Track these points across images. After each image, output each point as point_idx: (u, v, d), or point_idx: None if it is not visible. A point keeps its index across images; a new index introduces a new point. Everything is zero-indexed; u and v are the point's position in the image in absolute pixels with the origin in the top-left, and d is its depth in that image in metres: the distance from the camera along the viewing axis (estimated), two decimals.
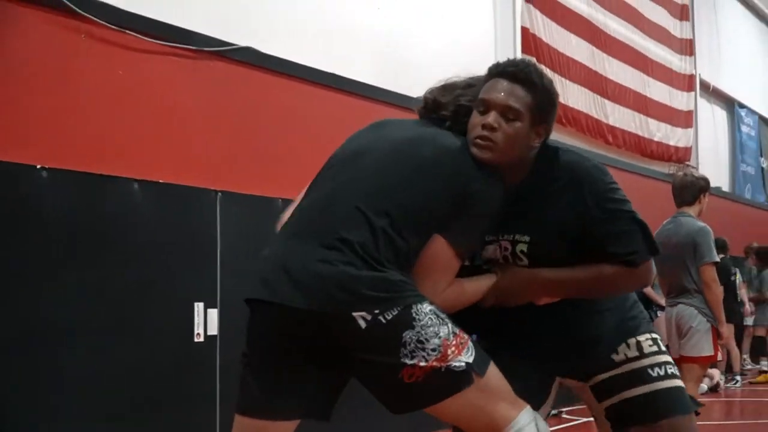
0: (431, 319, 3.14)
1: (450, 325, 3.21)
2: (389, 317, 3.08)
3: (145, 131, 7.59)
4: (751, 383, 15.39)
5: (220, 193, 7.98)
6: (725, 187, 20.36)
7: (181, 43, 7.90)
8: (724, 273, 14.36)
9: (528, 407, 3.35)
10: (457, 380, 3.18)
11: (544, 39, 13.68)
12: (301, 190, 8.90)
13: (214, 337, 7.80)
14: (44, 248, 6.75)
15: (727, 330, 8.11)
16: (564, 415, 11.38)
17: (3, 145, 6.60)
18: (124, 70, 7.48)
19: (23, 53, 6.84)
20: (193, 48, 8.00)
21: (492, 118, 3.38)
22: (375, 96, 10.00)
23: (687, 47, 18.96)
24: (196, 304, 7.70)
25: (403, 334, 3.09)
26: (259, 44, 8.62)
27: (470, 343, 3.25)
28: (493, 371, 3.29)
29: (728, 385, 14.67)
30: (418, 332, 3.11)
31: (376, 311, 3.07)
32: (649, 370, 3.57)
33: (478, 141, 3.37)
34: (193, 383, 7.70)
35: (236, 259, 8.00)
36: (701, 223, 7.95)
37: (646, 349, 3.61)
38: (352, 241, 3.15)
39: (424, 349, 3.10)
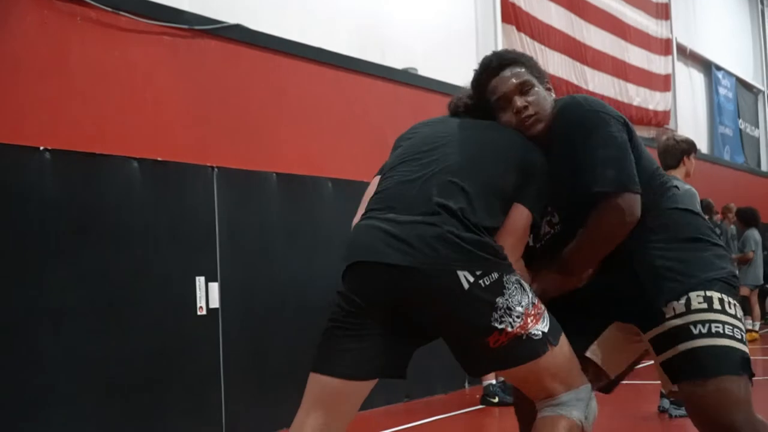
0: (517, 288, 3.38)
1: (530, 295, 3.45)
2: (488, 282, 3.31)
3: (140, 110, 7.69)
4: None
5: (216, 169, 8.11)
6: (704, 149, 20.50)
7: (173, 23, 8.01)
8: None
9: (588, 384, 3.62)
10: (535, 348, 3.41)
11: (523, 8, 13.79)
12: (294, 164, 9.04)
13: (216, 309, 7.94)
14: (44, 228, 6.86)
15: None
16: None
17: (5, 130, 6.70)
18: (119, 51, 7.59)
19: (19, 37, 6.93)
20: (185, 27, 8.10)
21: (519, 101, 3.76)
22: (360, 69, 10.13)
23: (663, 11, 19.08)
24: (197, 278, 7.84)
25: (496, 300, 3.32)
26: (248, 21, 8.73)
27: (546, 313, 3.49)
28: (563, 341, 3.53)
29: None
30: (507, 299, 3.34)
31: (478, 273, 3.30)
32: (691, 327, 3.55)
33: (526, 121, 3.74)
34: (198, 355, 7.85)
35: (234, 233, 8.15)
36: (687, 186, 8.08)
37: (694, 306, 3.57)
38: (452, 207, 3.37)
39: (510, 316, 3.33)
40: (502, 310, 3.31)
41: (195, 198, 7.98)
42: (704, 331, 3.54)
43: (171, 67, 8.03)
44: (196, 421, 7.72)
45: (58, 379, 6.79)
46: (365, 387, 3.56)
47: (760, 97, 25.44)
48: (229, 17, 8.55)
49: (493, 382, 9.41)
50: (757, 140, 24.96)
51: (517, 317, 3.34)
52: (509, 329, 3.33)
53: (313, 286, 8.79)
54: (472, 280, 3.28)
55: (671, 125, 18.70)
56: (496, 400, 9.36)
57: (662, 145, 8.34)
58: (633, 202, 3.58)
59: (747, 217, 16.44)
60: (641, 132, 17.02)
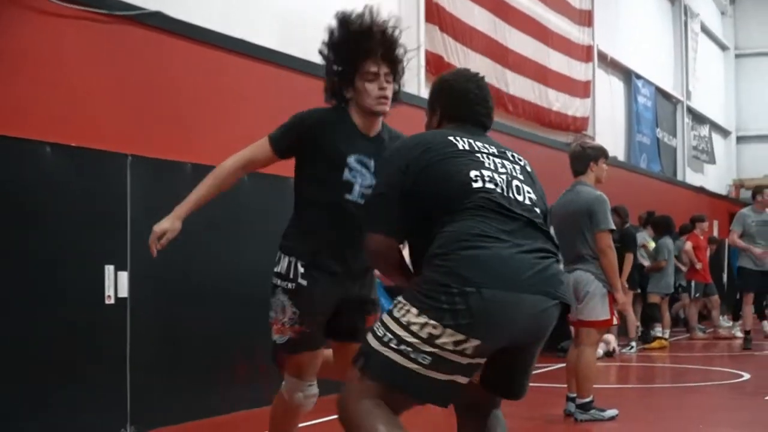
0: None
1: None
2: None
3: (56, 95, 7.59)
4: (645, 349, 15.77)
5: (130, 157, 8.00)
6: (621, 157, 20.75)
7: (94, 7, 7.90)
8: (631, 240, 14.72)
9: None
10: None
11: (447, 8, 13.85)
12: (210, 154, 8.97)
13: (124, 299, 7.85)
14: None
15: (623, 296, 8.34)
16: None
17: None
18: (38, 33, 7.48)
19: None
20: (105, 12, 8.00)
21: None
22: (282, 62, 10.08)
23: (586, 18, 19.23)
24: (106, 266, 7.73)
25: None
26: (169, 9, 8.63)
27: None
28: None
29: (624, 350, 15.03)
30: None
31: None
32: None
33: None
34: (105, 345, 7.75)
35: (146, 222, 7.98)
36: (597, 192, 8.20)
37: None
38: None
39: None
40: None
41: (108, 186, 7.87)
42: None
43: (90, 52, 7.93)
44: (99, 411, 7.62)
45: None
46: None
47: (678, 106, 25.80)
48: (151, 4, 8.45)
49: None
50: (674, 149, 25.31)
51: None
52: None
53: (227, 277, 8.76)
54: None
55: (590, 131, 18.86)
56: None
57: (570, 151, 8.54)
58: (373, 241, 4.08)
59: (661, 226, 16.65)
60: (560, 137, 17.16)
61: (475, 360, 3.75)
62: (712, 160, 28.50)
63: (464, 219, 3.82)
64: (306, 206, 5.05)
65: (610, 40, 20.50)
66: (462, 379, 3.78)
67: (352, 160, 4.88)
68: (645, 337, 16.31)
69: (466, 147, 4.04)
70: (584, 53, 19.11)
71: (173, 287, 8.31)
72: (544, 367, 12.50)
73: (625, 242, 14.21)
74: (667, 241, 16.45)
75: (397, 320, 3.72)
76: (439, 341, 3.64)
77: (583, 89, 18.90)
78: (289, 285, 4.95)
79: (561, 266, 4.11)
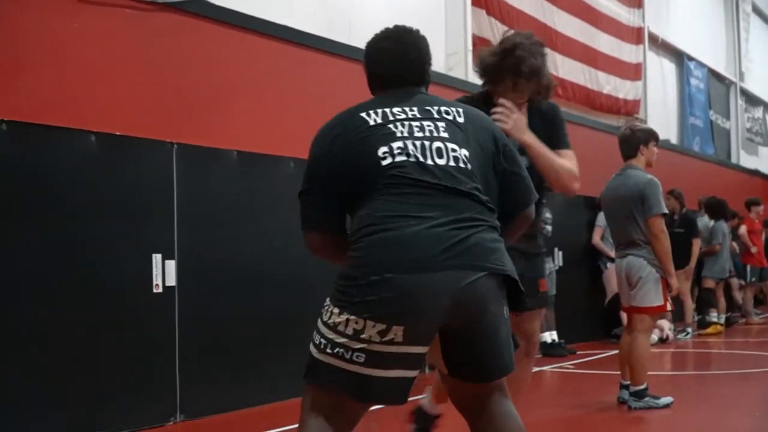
0: None
1: None
2: None
3: (100, 84, 7.57)
4: (700, 335, 15.58)
5: (175, 145, 7.98)
6: (673, 140, 20.51)
7: None
8: (694, 225, 14.54)
9: None
10: None
11: None
12: (254, 142, 8.95)
13: (172, 288, 7.84)
14: (1, 201, 6.76)
15: (677, 282, 8.19)
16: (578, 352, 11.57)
17: None
18: (78, 22, 7.46)
19: None
20: (147, 0, 7.99)
21: None
22: (326, 48, 10.01)
23: (635, 0, 19.03)
24: (153, 255, 7.73)
25: None
26: None
27: None
28: None
29: (679, 336, 14.87)
30: None
31: None
32: None
33: None
34: (154, 334, 7.75)
35: (193, 210, 8.03)
36: (649, 176, 8.06)
37: None
38: None
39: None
40: None
41: (154, 174, 7.86)
42: None
43: (131, 40, 7.91)
44: (149, 401, 7.63)
45: (4, 351, 6.69)
46: None
47: (731, 88, 25.46)
48: None
49: None
50: (728, 132, 24.98)
51: None
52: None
53: (272, 265, 8.70)
54: None
55: (641, 115, 18.65)
56: None
57: (620, 135, 8.41)
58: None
59: (715, 209, 16.41)
60: (611, 121, 16.99)
61: (413, 348, 3.56)
62: (766, 143, 28.15)
63: (373, 201, 3.61)
64: None
65: (660, 22, 20.26)
66: (409, 372, 3.62)
67: None
68: (700, 323, 16.13)
69: (378, 120, 3.75)
70: (634, 35, 18.87)
71: (220, 275, 8.28)
72: (597, 354, 12.41)
73: (689, 228, 14.04)
74: (722, 224, 16.20)
75: (326, 323, 3.61)
76: (364, 335, 3.49)
77: (633, 72, 18.68)
78: None
79: (495, 233, 3.70)
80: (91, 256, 7.28)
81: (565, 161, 5.11)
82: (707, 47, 23.37)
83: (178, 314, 7.88)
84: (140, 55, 7.96)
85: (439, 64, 12.34)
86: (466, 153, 3.73)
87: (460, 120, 3.82)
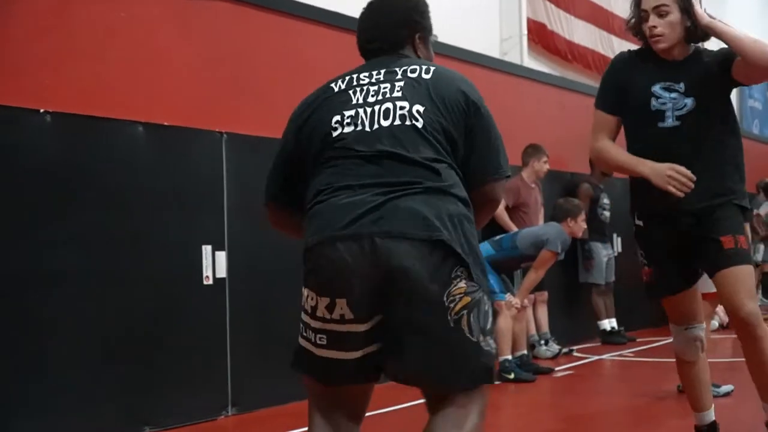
0: None
1: None
2: None
3: (147, 74, 7.51)
4: (765, 319, 15.29)
5: (225, 135, 7.91)
6: None
7: None
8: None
9: None
10: None
11: None
12: None
13: (222, 279, 7.78)
14: (49, 193, 6.72)
15: None
16: (575, 353, 11.41)
17: (4, 89, 6.53)
18: (125, 12, 7.40)
19: None
20: None
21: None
22: None
23: None
24: (203, 246, 7.67)
25: None
26: None
27: None
28: None
29: None
30: None
31: None
32: None
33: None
34: (204, 326, 7.70)
35: (243, 201, 7.95)
36: None
37: None
38: None
39: None
40: None
41: (202, 165, 7.80)
42: None
43: (177, 29, 7.84)
44: (200, 394, 7.58)
45: (56, 344, 6.66)
46: None
47: None
48: None
49: (509, 357, 9.22)
50: None
51: None
52: None
53: None
54: None
55: None
56: (512, 376, 9.17)
57: None
58: None
59: None
60: None
61: (364, 326, 3.31)
62: None
63: (318, 175, 3.46)
64: (630, 145, 5.23)
65: (717, 3, 19.96)
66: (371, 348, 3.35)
67: (657, 88, 5.06)
68: (762, 307, 15.84)
69: (342, 86, 3.61)
70: None
71: (270, 266, 8.17)
72: (655, 342, 12.24)
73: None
74: None
75: (302, 305, 3.52)
76: (318, 313, 3.39)
77: None
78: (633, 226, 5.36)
79: (435, 195, 3.30)
80: (139, 248, 7.24)
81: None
82: (764, 27, 23.02)
83: (229, 306, 7.81)
84: (186, 44, 7.88)
85: (494, 48, 12.20)
86: (419, 108, 3.43)
87: (425, 77, 3.53)
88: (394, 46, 3.73)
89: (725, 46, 5.00)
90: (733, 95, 18.17)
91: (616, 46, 15.32)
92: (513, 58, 12.35)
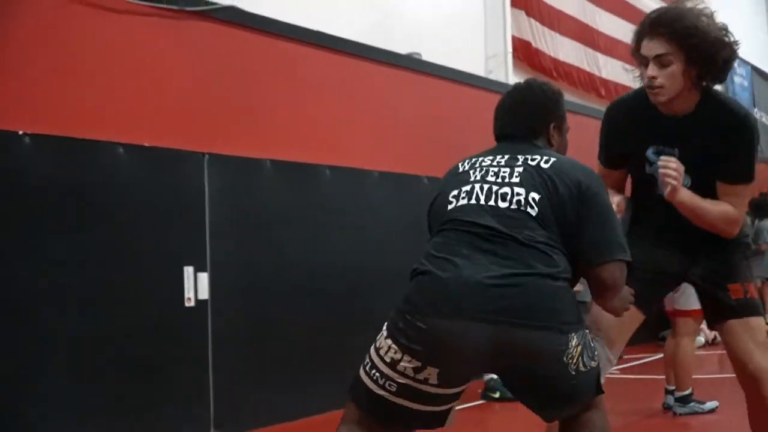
0: None
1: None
2: None
3: (129, 94, 7.48)
4: None
5: (207, 156, 7.88)
6: None
7: (165, 4, 7.79)
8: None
9: None
10: None
11: None
12: (289, 151, 8.84)
13: (204, 301, 7.73)
14: (29, 215, 6.68)
15: None
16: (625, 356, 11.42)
17: None
18: (110, 32, 7.38)
19: (10, 16, 6.74)
20: (176, 8, 7.89)
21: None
22: (362, 53, 9.86)
23: None
24: (185, 268, 7.63)
25: None
26: (243, 3, 8.49)
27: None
28: None
29: None
30: None
31: None
32: None
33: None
34: (186, 348, 7.65)
35: (225, 222, 7.93)
36: None
37: None
38: None
39: None
40: None
41: (185, 186, 7.77)
42: None
43: (163, 50, 7.83)
44: (183, 415, 7.54)
45: (35, 366, 6.63)
46: None
47: None
48: None
49: (494, 376, 9.19)
50: None
51: None
52: None
53: (306, 275, 8.62)
54: None
55: None
56: (497, 395, 9.14)
57: None
58: None
59: (760, 208, 16.16)
60: None
61: (446, 390, 3.58)
62: None
63: (433, 238, 3.69)
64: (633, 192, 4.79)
65: (712, 1, 20.01)
66: (437, 408, 3.63)
67: (650, 153, 4.45)
68: None
69: (466, 167, 3.81)
70: None
71: (253, 287, 8.17)
72: (644, 358, 12.23)
73: None
74: (766, 223, 15.99)
75: (375, 345, 3.63)
76: (399, 367, 3.51)
77: None
78: None
79: (546, 282, 3.45)
80: (121, 270, 7.19)
81: (723, 207, 4.41)
82: (750, 45, 23.03)
83: (211, 328, 7.77)
84: (170, 65, 7.87)
85: (479, 67, 12.21)
86: (535, 196, 3.57)
87: (544, 166, 3.66)
88: (527, 136, 3.89)
89: (735, 108, 4.61)
90: None
91: (602, 63, 15.40)
92: (498, 76, 12.36)
